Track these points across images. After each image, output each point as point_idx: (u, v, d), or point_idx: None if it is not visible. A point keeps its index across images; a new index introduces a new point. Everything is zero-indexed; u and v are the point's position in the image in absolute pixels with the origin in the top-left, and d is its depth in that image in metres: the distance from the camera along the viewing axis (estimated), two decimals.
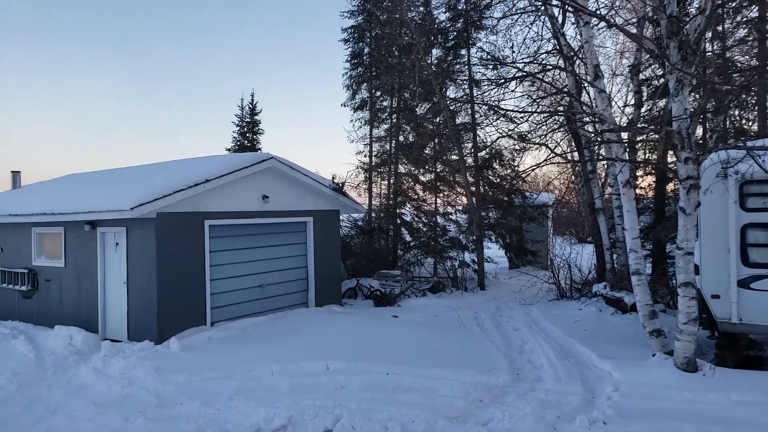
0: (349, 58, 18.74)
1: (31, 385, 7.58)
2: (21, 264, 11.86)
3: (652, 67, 12.94)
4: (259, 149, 21.81)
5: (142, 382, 7.29)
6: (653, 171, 13.69)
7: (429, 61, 17.06)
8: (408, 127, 18.32)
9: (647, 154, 14.42)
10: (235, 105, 21.79)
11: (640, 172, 14.71)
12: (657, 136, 11.19)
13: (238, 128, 21.73)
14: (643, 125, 12.16)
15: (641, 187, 14.91)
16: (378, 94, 18.83)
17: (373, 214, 18.31)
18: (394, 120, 18.29)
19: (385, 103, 18.93)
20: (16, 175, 15.43)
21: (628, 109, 14.05)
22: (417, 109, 18.09)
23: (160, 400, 6.75)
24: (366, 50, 18.74)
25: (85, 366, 8.08)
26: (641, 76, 12.80)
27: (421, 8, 17.79)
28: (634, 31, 11.51)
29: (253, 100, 21.85)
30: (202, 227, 10.17)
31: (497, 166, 17.39)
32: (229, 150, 21.40)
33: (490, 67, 15.93)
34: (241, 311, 10.74)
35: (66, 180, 14.50)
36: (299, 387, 6.89)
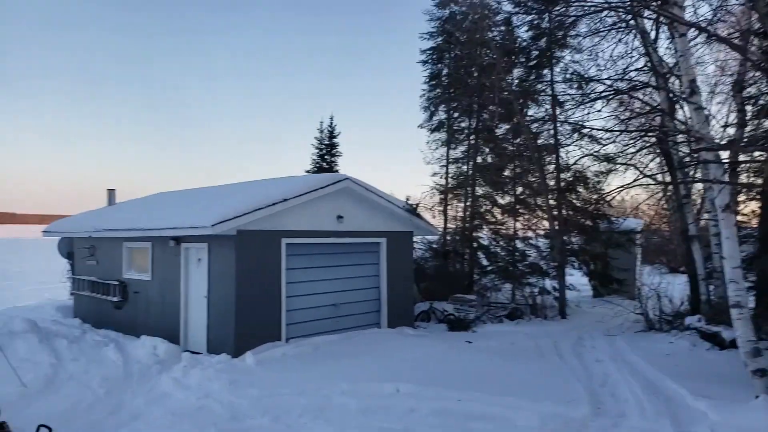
0: (427, 80, 18.90)
1: (118, 390, 8.07)
2: (113, 276, 12.76)
3: (759, 83, 12.08)
4: (337, 171, 22.36)
5: (217, 395, 7.57)
6: (758, 196, 12.69)
7: (509, 81, 16.88)
8: (486, 148, 18.11)
9: (751, 178, 13.41)
10: (315, 128, 22.46)
11: (742, 197, 13.68)
12: (764, 156, 10.38)
13: (317, 150, 22.40)
14: (746, 143, 11.35)
15: (743, 214, 13.83)
16: (456, 115, 18.80)
17: (448, 237, 18.17)
18: (472, 141, 18.16)
19: (462, 124, 18.86)
20: (111, 192, 16.69)
21: (730, 130, 13.17)
22: (496, 130, 17.88)
23: (233, 413, 6.97)
24: (444, 71, 18.82)
25: (166, 376, 8.51)
26: (745, 93, 11.97)
27: (502, 27, 17.70)
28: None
29: (332, 123, 22.50)
30: (279, 245, 10.52)
31: (581, 189, 16.77)
32: (308, 171, 22.08)
33: (575, 86, 15.54)
34: (315, 329, 10.94)
35: (154, 198, 15.53)
36: (368, 408, 6.89)
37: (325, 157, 22.45)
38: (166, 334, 10.76)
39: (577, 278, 17.69)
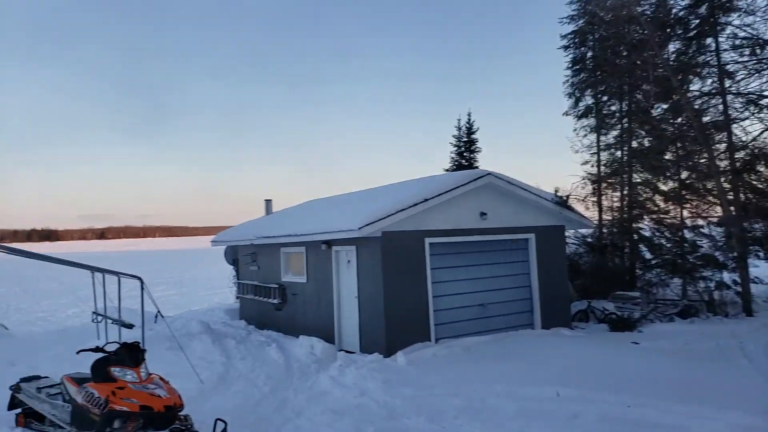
0: (570, 65, 17.90)
1: (281, 388, 8.61)
2: (273, 280, 13.73)
3: None
4: (477, 167, 22.03)
5: (372, 393, 7.74)
6: None
7: (665, 56, 15.34)
8: (642, 131, 16.65)
9: None
10: (452, 126, 22.35)
11: None
12: None
13: (456, 148, 22.27)
14: None
15: None
16: (604, 98, 17.58)
17: (605, 230, 16.96)
18: (625, 124, 16.81)
19: (613, 108, 17.57)
20: (268, 202, 18.03)
21: None
22: (652, 111, 16.36)
23: (389, 412, 7.07)
24: (589, 54, 17.70)
25: (324, 374, 8.91)
26: None
27: (653, 0, 16.17)
28: None
29: (469, 119, 22.25)
30: (423, 245, 10.55)
31: (762, 168, 14.71)
32: (447, 170, 22.02)
33: (747, 52, 13.73)
34: (463, 329, 10.80)
35: (306, 205, 16.47)
36: (526, 412, 6.59)
37: (464, 154, 22.24)
38: (322, 334, 11.30)
39: (763, 269, 15.53)
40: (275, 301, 13.43)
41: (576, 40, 17.78)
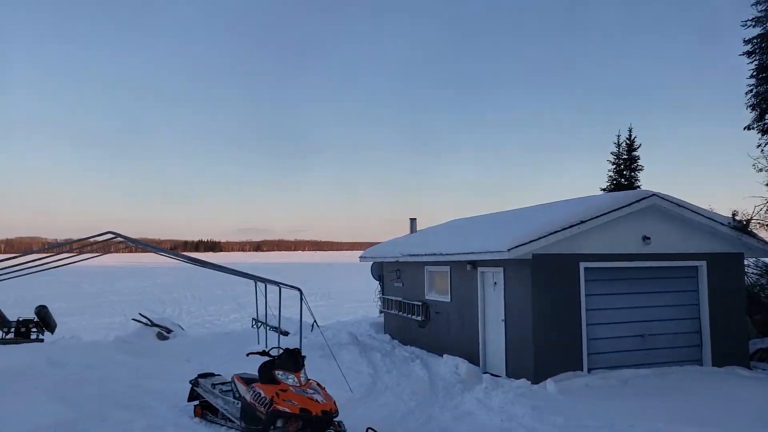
0: (754, 73, 16.15)
1: (426, 404, 8.81)
2: (417, 297, 14.08)
3: None
4: (638, 187, 20.65)
5: (520, 419, 7.64)
6: None
7: None
8: None
9: None
10: (611, 143, 21.11)
11: None
12: None
13: (614, 166, 21.11)
14: None
15: None
16: None
17: None
18: None
19: None
20: (413, 221, 18.53)
21: None
22: None
23: None
24: None
25: (469, 395, 8.95)
26: None
27: None
28: None
29: (630, 135, 21.01)
30: (576, 269, 10.19)
31: None
32: (604, 190, 20.94)
33: None
34: (620, 360, 10.19)
35: (451, 224, 16.67)
36: None
37: (624, 172, 20.99)
38: (465, 355, 11.34)
39: None
40: (419, 318, 13.74)
41: (762, 45, 16.04)
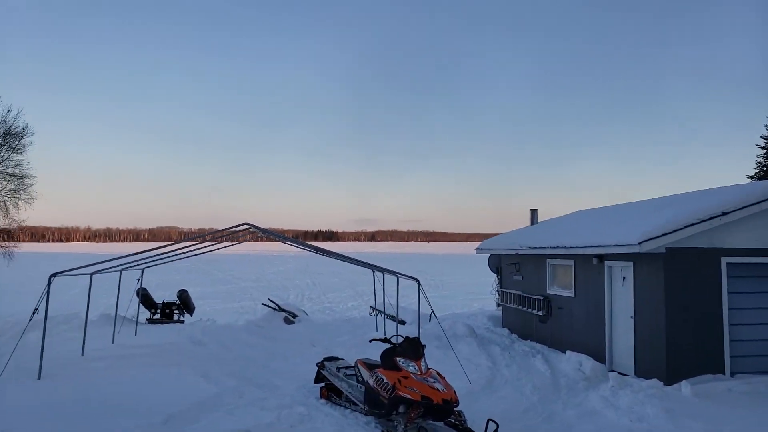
0: None
1: (548, 400, 8.66)
2: (537, 291, 13.78)
3: None
4: None
5: (651, 420, 7.29)
6: None
7: None
8: None
9: None
10: (761, 128, 19.13)
11: None
12: None
13: (765, 152, 19.19)
14: None
15: None
16: None
17: None
18: None
19: None
20: (533, 212, 18.10)
21: None
22: None
23: None
24: None
25: (594, 393, 8.67)
26: None
27: None
28: None
29: None
30: (717, 265, 9.45)
31: None
32: (752, 177, 19.11)
33: None
34: None
35: (576, 216, 16.07)
36: None
37: None
38: (590, 351, 10.95)
39: None
40: (539, 313, 13.45)
41: None
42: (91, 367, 9.95)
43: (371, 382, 7.36)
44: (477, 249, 17.27)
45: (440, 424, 7.00)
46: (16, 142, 22.47)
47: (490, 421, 6.78)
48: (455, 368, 9.73)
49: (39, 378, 8.84)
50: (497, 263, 17.08)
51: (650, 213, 10.97)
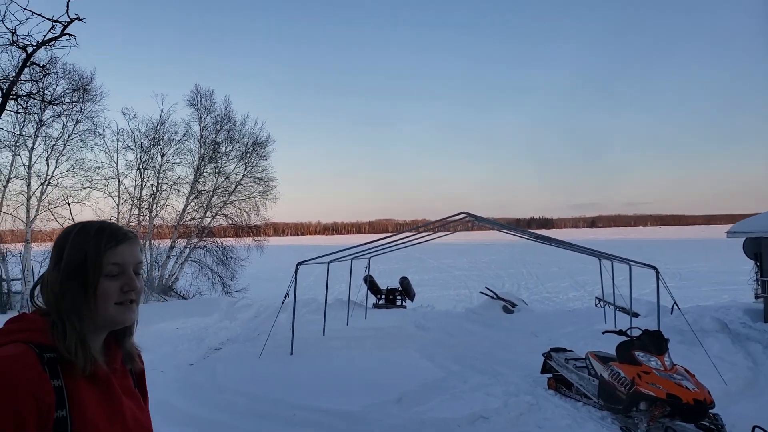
0: None
1: None
2: None
3: None
4: None
5: None
6: None
7: None
8: None
9: None
10: None
11: None
12: None
13: None
14: None
15: None
16: None
17: None
18: None
19: None
20: None
21: None
22: None
23: None
24: None
25: None
26: None
27: None
28: None
29: None
30: None
31: None
32: None
33: None
34: None
35: None
36: None
37: None
38: None
39: None
40: None
41: None
42: (331, 346, 11.07)
43: (605, 375, 6.96)
44: (728, 232, 15.21)
45: (690, 426, 6.33)
46: (262, 150, 26.05)
47: (756, 428, 5.94)
48: (704, 366, 8.70)
49: (291, 354, 10.12)
50: (756, 248, 14.83)
51: None
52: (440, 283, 31.21)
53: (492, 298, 17.43)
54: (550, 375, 8.45)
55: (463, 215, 11.38)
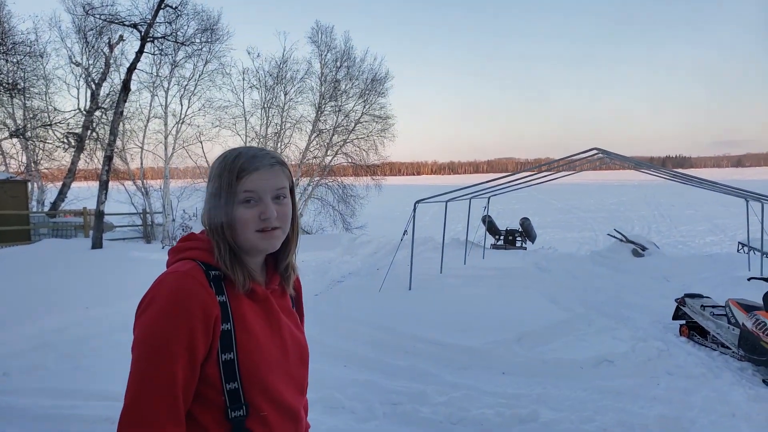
0: None
1: None
2: None
3: None
4: None
5: None
6: None
7: None
8: None
9: None
10: None
11: None
12: None
13: None
14: None
15: None
16: None
17: None
18: None
19: None
20: None
21: None
22: None
23: None
24: None
25: None
26: None
27: None
28: None
29: None
30: None
31: None
32: None
33: None
34: None
35: None
36: None
37: None
38: None
39: None
40: None
41: None
42: (448, 283, 11.24)
43: (749, 324, 6.49)
44: None
45: None
46: (381, 87, 26.17)
47: None
48: None
49: (410, 289, 10.42)
50: None
51: None
52: (563, 225, 30.24)
53: (621, 240, 16.64)
54: (683, 322, 8.03)
55: (594, 152, 10.80)
